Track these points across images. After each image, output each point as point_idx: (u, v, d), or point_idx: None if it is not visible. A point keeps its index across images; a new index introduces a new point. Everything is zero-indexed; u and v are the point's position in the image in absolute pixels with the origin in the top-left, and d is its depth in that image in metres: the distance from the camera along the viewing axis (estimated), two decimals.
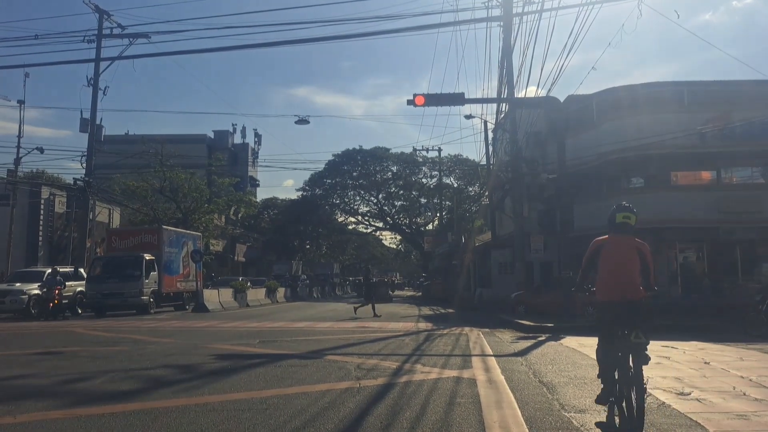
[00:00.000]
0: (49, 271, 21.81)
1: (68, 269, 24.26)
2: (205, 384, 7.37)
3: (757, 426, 5.34)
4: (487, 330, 15.42)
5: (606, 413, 5.39)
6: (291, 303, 34.77)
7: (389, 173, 55.21)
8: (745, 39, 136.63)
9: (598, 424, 5.34)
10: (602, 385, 5.43)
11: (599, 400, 5.49)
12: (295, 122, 34.13)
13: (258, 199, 63.89)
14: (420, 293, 49.54)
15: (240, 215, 56.17)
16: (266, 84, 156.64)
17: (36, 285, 21.20)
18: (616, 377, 5.24)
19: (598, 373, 5.60)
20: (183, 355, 10.18)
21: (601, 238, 5.77)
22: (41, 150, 30.65)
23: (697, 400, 6.41)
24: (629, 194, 23.73)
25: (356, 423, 5.35)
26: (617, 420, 5.19)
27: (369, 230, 63.70)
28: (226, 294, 28.00)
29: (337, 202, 57.57)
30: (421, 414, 5.69)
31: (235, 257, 56.91)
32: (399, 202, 57.02)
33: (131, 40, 26.37)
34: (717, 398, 6.49)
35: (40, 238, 33.71)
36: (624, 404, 5.11)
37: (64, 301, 21.38)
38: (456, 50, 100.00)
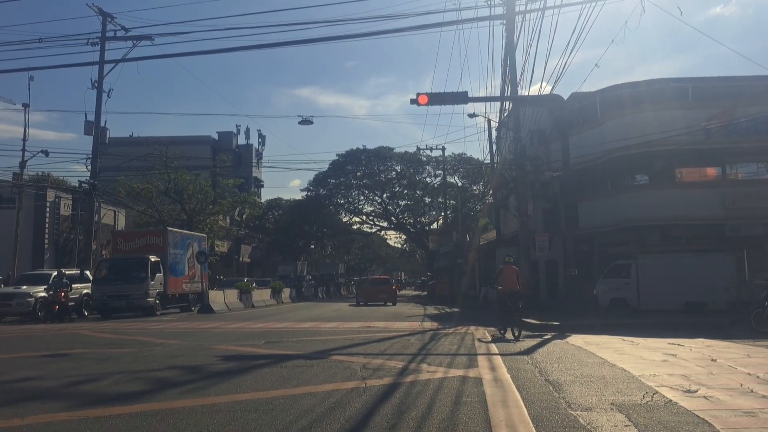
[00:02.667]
0: (56, 273, 21.89)
1: (74, 272, 24.35)
2: (212, 385, 7.38)
3: (765, 423, 5.31)
4: (492, 329, 15.40)
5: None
6: (296, 303, 34.82)
7: (393, 173, 55.11)
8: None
9: (498, 339, 12.97)
10: (501, 322, 13.80)
11: (500, 326, 13.88)
12: (299, 122, 34.17)
13: (262, 200, 63.94)
14: (425, 292, 49.52)
15: (245, 216, 56.19)
16: (270, 85, 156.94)
17: (42, 288, 21.27)
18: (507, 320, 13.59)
19: (498, 316, 14.47)
20: (189, 356, 10.21)
21: (501, 266, 14.78)
22: (46, 153, 30.79)
23: (704, 397, 6.38)
24: (634, 191, 23.69)
25: (362, 423, 5.35)
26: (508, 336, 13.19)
27: (374, 230, 63.65)
28: (232, 295, 28.05)
29: (342, 202, 57.53)
30: (428, 413, 5.68)
31: (240, 258, 56.97)
32: (403, 202, 56.92)
33: (135, 42, 26.42)
34: (724, 395, 6.46)
35: (46, 241, 33.85)
36: (511, 330, 13.29)
37: (70, 304, 21.47)
38: (459, 49, 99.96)
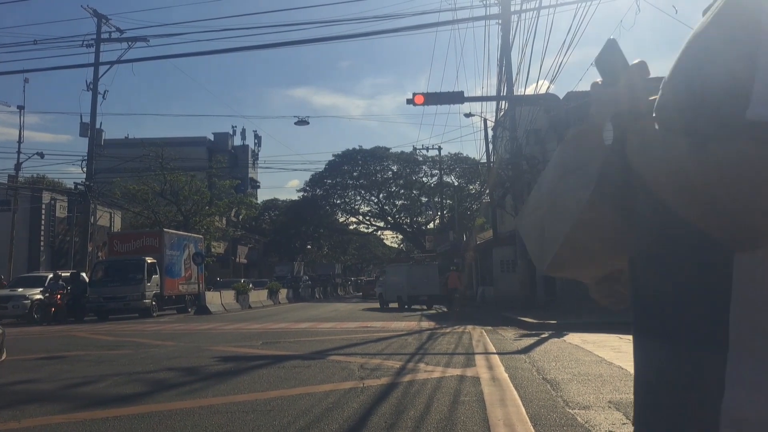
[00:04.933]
0: (51, 275, 21.84)
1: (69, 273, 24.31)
2: (209, 386, 7.37)
3: None
4: (489, 328, 15.42)
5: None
6: (293, 304, 34.79)
7: (389, 173, 55.16)
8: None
9: (441, 314, 23.11)
10: (449, 305, 25.39)
11: (448, 307, 25.44)
12: (295, 123, 34.20)
13: (258, 201, 63.92)
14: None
15: (241, 217, 56.17)
16: (265, 85, 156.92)
17: (38, 290, 21.23)
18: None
19: (447, 301, 26.20)
20: (186, 357, 10.19)
21: (448, 273, 26.21)
22: (42, 155, 30.74)
23: None
24: None
25: (361, 423, 5.35)
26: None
27: (370, 230, 63.68)
28: (228, 296, 28.01)
29: (338, 202, 57.54)
30: (426, 413, 5.68)
31: (237, 259, 56.93)
32: (400, 202, 56.96)
33: (130, 43, 26.46)
34: None
35: (42, 243, 33.76)
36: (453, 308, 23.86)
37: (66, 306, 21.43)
38: (455, 48, 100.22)
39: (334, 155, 55.59)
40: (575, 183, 0.94)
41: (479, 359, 9.48)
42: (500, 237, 29.79)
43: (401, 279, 28.39)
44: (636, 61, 0.92)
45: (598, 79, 0.96)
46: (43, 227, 33.83)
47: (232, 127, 72.05)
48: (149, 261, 23.38)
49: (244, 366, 9.09)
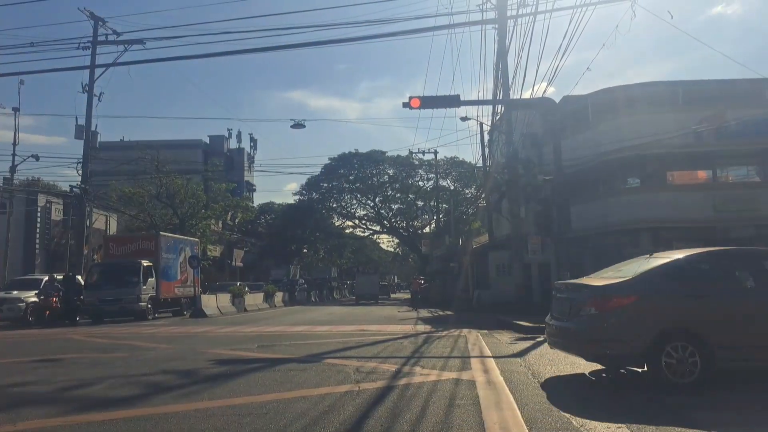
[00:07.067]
0: (47, 278, 21.77)
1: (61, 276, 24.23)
2: (205, 389, 7.36)
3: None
4: (485, 331, 15.42)
5: None
6: (289, 307, 34.73)
7: (386, 176, 55.15)
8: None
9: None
10: (413, 305, 34.97)
11: (412, 307, 33.21)
12: (291, 126, 34.00)
13: (255, 204, 63.87)
14: (419, 296, 49.68)
15: (237, 220, 56.08)
16: (261, 88, 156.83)
17: (33, 292, 21.16)
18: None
19: (411, 302, 39.15)
20: (182, 360, 10.17)
21: (412, 280, 54.03)
22: (37, 157, 30.68)
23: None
24: (625, 194, 23.81)
25: (356, 426, 5.36)
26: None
27: (366, 234, 63.62)
28: (224, 299, 27.96)
29: (334, 206, 57.49)
30: (421, 416, 5.70)
31: (233, 262, 56.81)
32: (396, 205, 56.96)
33: (126, 46, 26.39)
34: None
35: (37, 246, 33.65)
36: (417, 310, 29.25)
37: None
38: (451, 53, 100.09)
39: (330, 159, 55.50)
40: None
41: (475, 363, 9.49)
42: (496, 241, 29.82)
43: (357, 284, 49.42)
44: None
45: None
46: (38, 230, 33.73)
47: (228, 129, 72.10)
48: (145, 264, 23.33)
49: (240, 369, 9.08)
